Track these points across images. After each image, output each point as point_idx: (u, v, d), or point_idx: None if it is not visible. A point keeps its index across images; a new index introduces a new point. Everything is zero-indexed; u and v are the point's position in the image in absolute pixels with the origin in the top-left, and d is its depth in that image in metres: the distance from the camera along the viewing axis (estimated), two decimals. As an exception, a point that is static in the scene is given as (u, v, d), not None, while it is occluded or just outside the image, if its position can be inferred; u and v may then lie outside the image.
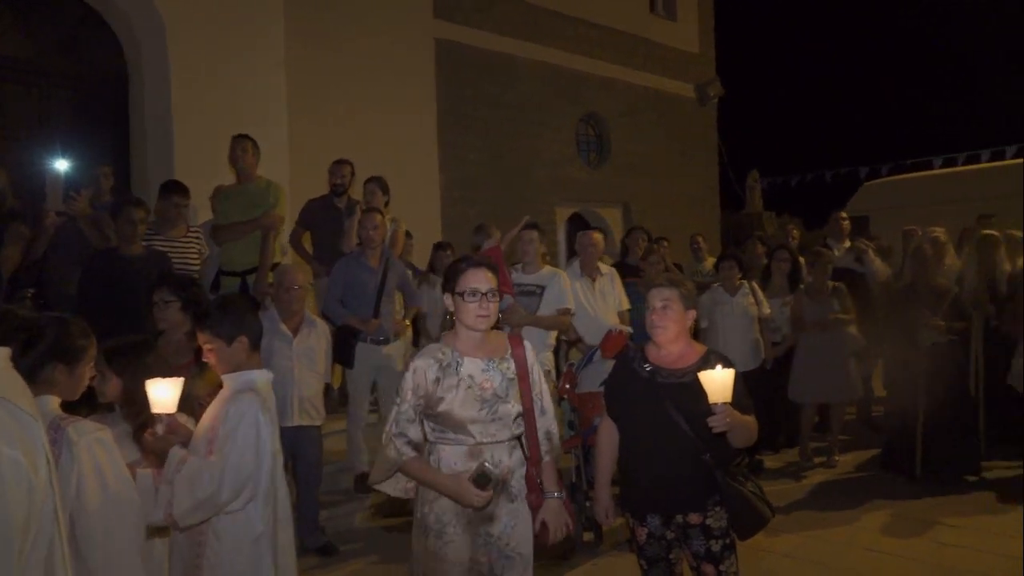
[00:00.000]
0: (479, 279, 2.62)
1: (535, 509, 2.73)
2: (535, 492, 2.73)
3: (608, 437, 3.06)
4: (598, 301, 5.65)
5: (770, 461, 6.34)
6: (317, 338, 4.79)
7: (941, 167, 13.82)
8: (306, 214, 6.24)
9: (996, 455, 6.03)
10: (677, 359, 2.93)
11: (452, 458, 2.63)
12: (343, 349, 5.16)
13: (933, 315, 5.64)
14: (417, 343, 6.47)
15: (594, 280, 5.69)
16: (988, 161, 13.10)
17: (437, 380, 2.61)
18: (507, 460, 2.67)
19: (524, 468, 2.72)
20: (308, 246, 6.32)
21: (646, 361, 2.96)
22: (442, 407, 2.61)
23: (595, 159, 12.62)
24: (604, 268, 5.85)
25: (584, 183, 12.18)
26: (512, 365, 2.72)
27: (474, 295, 2.60)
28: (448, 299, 2.69)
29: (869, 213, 10.69)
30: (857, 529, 4.93)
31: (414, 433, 2.64)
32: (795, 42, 34.53)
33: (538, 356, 5.12)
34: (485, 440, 2.63)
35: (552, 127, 11.60)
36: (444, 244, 6.98)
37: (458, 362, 2.64)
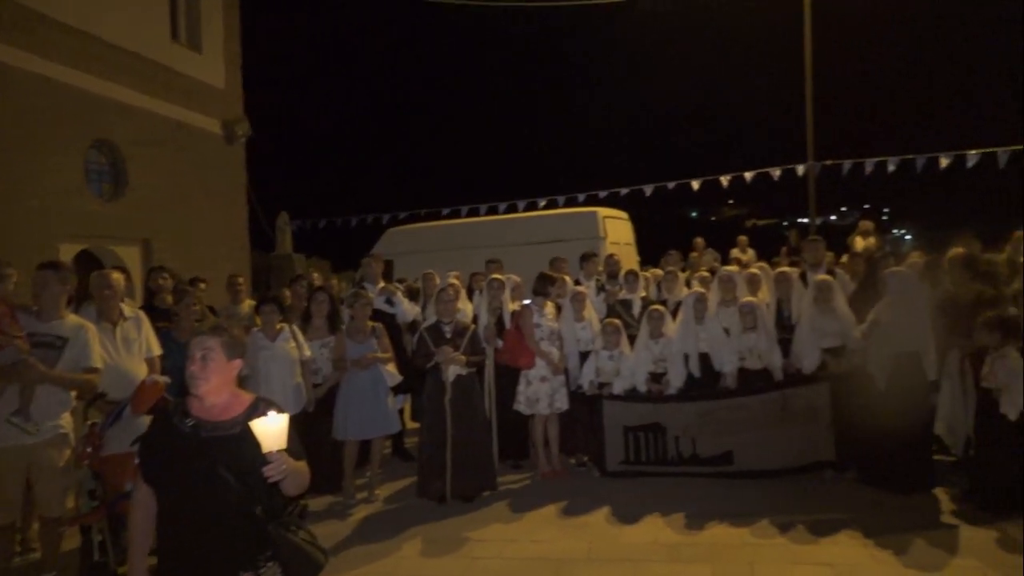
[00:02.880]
0: None
1: None
2: None
3: (143, 504, 2.76)
4: (121, 350, 5.04)
5: (315, 504, 6.26)
6: None
7: (447, 217, 15.58)
8: None
9: (507, 470, 6.96)
10: (223, 411, 2.79)
11: None
12: None
13: (455, 350, 6.22)
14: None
15: (115, 326, 5.05)
16: (487, 215, 15.14)
17: None
18: None
19: None
20: None
21: (188, 415, 2.72)
22: None
23: (109, 191, 11.36)
24: (128, 311, 5.24)
25: (96, 217, 10.85)
26: None
27: None
28: None
29: (392, 256, 11.51)
30: (399, 559, 5.15)
31: None
32: (322, 94, 36.30)
33: (57, 419, 4.38)
34: None
35: (55, 151, 10.11)
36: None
37: None
